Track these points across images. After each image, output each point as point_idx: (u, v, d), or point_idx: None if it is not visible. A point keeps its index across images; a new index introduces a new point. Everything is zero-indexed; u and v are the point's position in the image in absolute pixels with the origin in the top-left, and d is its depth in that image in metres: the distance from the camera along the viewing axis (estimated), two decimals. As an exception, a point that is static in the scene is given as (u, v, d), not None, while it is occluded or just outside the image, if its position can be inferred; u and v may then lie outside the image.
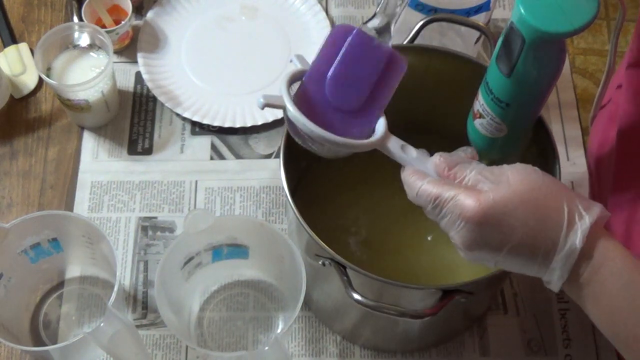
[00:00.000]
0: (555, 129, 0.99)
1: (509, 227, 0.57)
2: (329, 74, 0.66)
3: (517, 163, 0.61)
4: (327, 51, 0.67)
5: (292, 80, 0.67)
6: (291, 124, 0.65)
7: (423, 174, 0.63)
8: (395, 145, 0.66)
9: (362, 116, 0.67)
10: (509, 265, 0.60)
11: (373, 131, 0.67)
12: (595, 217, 0.57)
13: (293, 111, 0.64)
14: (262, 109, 0.65)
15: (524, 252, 0.58)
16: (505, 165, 0.61)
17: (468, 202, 0.58)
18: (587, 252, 0.57)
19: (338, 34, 0.67)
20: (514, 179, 0.58)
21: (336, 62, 0.66)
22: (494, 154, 0.77)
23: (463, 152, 0.66)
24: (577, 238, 0.57)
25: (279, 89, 0.66)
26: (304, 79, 0.67)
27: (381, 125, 0.67)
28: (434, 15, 0.84)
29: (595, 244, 0.57)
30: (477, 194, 0.58)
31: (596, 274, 0.57)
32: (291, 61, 0.70)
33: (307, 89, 0.66)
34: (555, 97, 1.02)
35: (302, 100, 0.66)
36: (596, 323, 0.60)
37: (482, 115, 0.72)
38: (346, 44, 0.66)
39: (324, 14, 1.06)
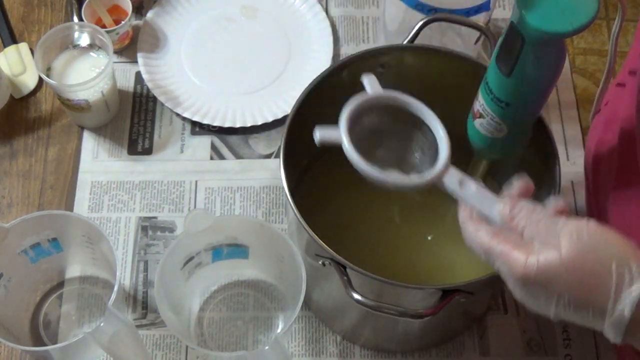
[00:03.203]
0: (555, 129, 0.99)
1: (553, 292, 0.57)
2: None
3: (574, 220, 0.58)
4: None
5: (355, 113, 0.65)
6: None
7: (478, 220, 0.62)
8: (452, 180, 0.64)
9: None
10: (566, 319, 0.59)
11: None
12: None
13: (350, 151, 0.64)
14: (319, 145, 0.65)
15: (573, 315, 0.58)
16: (561, 220, 0.59)
17: (515, 262, 0.58)
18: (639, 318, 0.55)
19: None
20: (564, 243, 0.57)
21: None
22: (494, 154, 0.77)
23: (553, 202, 0.62)
24: (626, 307, 0.55)
25: (340, 122, 0.64)
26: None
27: (443, 154, 0.64)
28: (434, 15, 0.84)
29: None
30: (525, 255, 0.58)
31: None
32: (362, 80, 0.67)
33: None
34: (555, 97, 1.02)
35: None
36: None
37: (482, 115, 0.72)
38: None
39: (324, 14, 1.06)
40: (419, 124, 0.68)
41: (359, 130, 0.66)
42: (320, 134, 0.64)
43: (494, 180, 0.92)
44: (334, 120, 0.90)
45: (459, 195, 0.63)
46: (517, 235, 0.60)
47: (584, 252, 0.56)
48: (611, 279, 0.55)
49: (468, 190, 0.63)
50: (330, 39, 1.04)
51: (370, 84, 0.67)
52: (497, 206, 0.61)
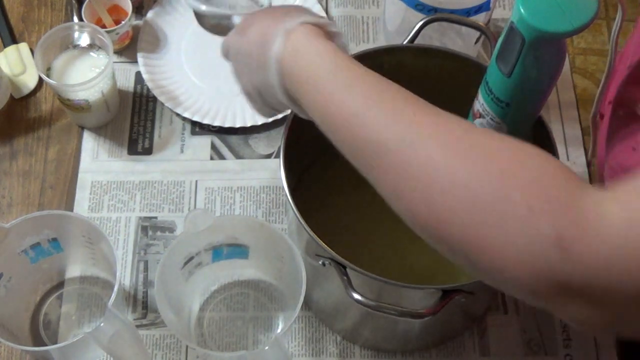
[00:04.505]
0: (555, 129, 0.99)
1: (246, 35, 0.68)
2: None
3: None
4: None
5: None
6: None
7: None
8: None
9: None
10: (254, 79, 0.67)
11: None
12: (305, 20, 0.63)
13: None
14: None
15: (253, 60, 0.66)
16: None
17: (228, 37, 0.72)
18: (294, 49, 0.62)
19: None
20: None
21: None
22: (494, 154, 0.77)
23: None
24: (281, 36, 0.63)
25: None
26: None
27: None
28: (434, 15, 0.84)
29: (304, 42, 0.62)
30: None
31: (304, 70, 0.61)
32: None
33: None
34: (555, 97, 1.02)
35: None
36: (317, 122, 0.62)
37: (482, 115, 0.72)
38: None
39: (324, 14, 1.06)
40: None
41: None
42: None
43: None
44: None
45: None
46: None
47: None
48: (282, 22, 0.64)
49: None
50: (330, 39, 1.04)
51: None
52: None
